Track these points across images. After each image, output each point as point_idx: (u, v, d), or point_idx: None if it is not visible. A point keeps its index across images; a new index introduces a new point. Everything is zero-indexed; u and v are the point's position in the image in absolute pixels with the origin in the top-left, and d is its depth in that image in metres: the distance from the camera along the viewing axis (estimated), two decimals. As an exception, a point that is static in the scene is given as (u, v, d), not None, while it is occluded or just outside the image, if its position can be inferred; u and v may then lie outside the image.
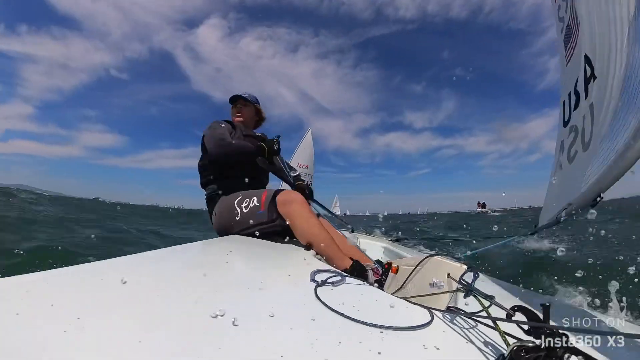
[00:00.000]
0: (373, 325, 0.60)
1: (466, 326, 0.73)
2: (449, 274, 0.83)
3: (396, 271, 0.99)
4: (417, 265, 0.92)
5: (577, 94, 1.73)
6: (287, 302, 0.66)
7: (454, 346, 0.63)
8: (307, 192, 2.06)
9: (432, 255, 0.92)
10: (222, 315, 0.54)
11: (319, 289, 0.75)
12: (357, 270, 1.24)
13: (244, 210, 1.71)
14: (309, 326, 0.56)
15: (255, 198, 1.72)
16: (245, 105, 2.33)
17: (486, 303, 0.73)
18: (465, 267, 0.83)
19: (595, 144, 1.40)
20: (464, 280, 0.81)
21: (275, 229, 1.65)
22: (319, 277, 0.84)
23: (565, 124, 1.90)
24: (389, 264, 1.09)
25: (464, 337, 0.68)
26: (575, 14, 1.73)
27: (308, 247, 1.45)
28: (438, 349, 0.58)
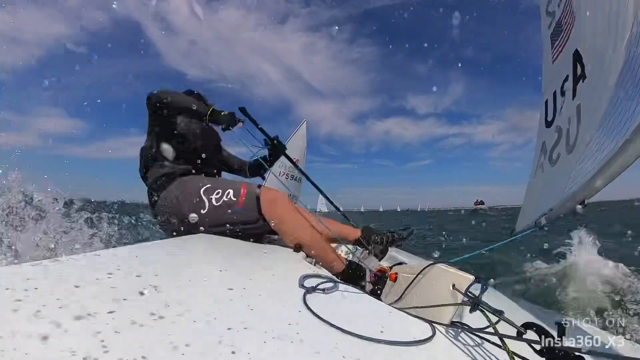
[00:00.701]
0: (368, 339, 0.53)
1: (471, 343, 0.65)
2: (453, 285, 0.76)
3: (395, 279, 0.91)
4: (418, 274, 0.85)
5: (563, 93, 1.66)
6: (271, 310, 0.59)
7: (457, 366, 0.55)
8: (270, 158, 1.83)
9: (435, 263, 0.85)
10: (193, 321, 0.48)
11: (308, 296, 0.68)
12: (353, 271, 1.16)
13: (214, 202, 1.39)
14: (294, 338, 0.49)
15: (230, 191, 1.41)
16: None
17: (494, 319, 0.66)
18: (472, 277, 0.76)
19: (580, 147, 1.33)
20: (470, 292, 0.74)
21: (254, 232, 1.43)
22: (309, 283, 0.77)
23: (549, 124, 1.83)
24: (382, 271, 1.02)
25: (469, 356, 0.60)
26: (571, 9, 1.66)
27: (297, 248, 1.33)
28: None
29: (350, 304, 0.71)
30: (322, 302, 0.67)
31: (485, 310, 0.69)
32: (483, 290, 0.74)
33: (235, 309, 0.56)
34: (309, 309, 0.61)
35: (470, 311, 0.69)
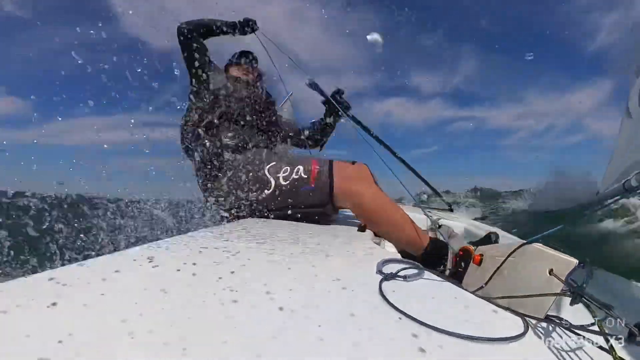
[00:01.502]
0: (449, 334, 0.52)
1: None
2: (551, 270, 0.68)
3: (479, 261, 0.85)
4: (508, 256, 0.78)
5: None
6: (342, 301, 0.60)
7: (552, 369, 0.51)
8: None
9: (529, 242, 0.77)
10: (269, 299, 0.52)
11: (385, 284, 0.68)
12: (436, 252, 1.11)
13: (281, 181, 1.26)
14: (366, 332, 0.50)
15: (300, 167, 1.27)
16: (253, 69, 1.84)
17: (600, 314, 0.58)
18: (575, 261, 0.67)
19: None
20: (572, 279, 0.66)
21: (316, 214, 1.27)
22: (388, 269, 0.77)
23: None
24: (466, 251, 0.94)
25: (566, 358, 0.55)
26: None
27: (362, 228, 1.22)
28: None
29: (430, 293, 0.69)
30: (400, 291, 0.67)
31: (590, 303, 0.61)
32: (588, 278, 0.65)
33: (305, 297, 0.59)
34: (384, 298, 0.61)
35: (571, 303, 0.62)
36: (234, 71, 1.79)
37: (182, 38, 1.53)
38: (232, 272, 0.65)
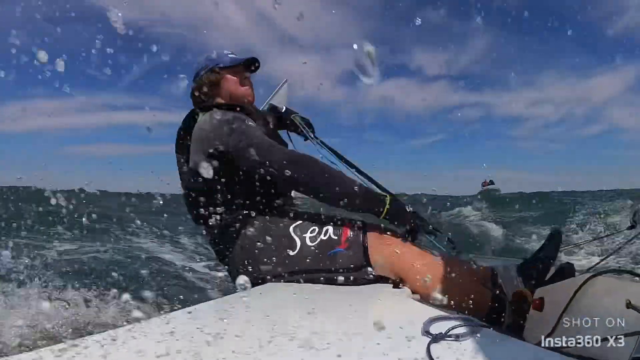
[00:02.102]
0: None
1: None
2: (629, 302, 0.58)
3: (541, 306, 0.75)
4: (575, 294, 0.68)
5: None
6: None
7: None
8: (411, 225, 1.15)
9: (597, 274, 0.67)
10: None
11: (433, 346, 0.61)
12: (500, 305, 0.91)
13: (308, 242, 1.14)
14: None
15: (330, 228, 1.15)
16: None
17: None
18: None
19: None
20: None
21: (361, 281, 1.11)
22: (436, 329, 0.69)
23: None
24: (521, 296, 0.81)
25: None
26: None
27: (396, 283, 1.09)
28: None
29: (489, 353, 0.61)
30: (452, 352, 0.59)
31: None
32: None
33: None
34: None
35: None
36: (233, 86, 1.37)
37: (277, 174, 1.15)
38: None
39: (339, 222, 1.18)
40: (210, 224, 1.25)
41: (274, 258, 1.14)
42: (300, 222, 1.19)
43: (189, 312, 0.77)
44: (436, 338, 0.64)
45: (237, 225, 1.22)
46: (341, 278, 1.10)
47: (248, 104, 1.38)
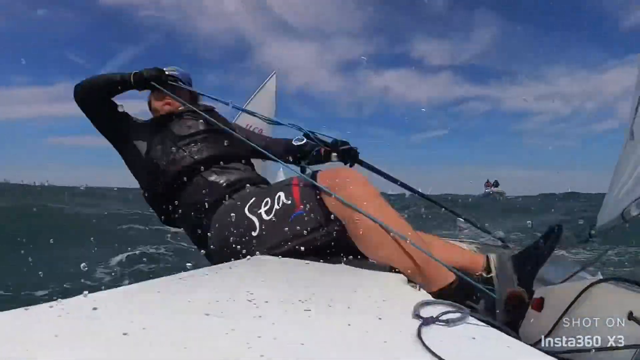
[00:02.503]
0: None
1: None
2: (631, 314, 0.55)
3: (540, 306, 0.72)
4: (575, 300, 0.65)
5: None
6: (375, 348, 0.51)
7: None
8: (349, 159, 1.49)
9: (599, 281, 0.64)
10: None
11: (424, 330, 0.58)
12: (465, 292, 0.82)
13: (264, 216, 1.06)
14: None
15: (280, 193, 1.06)
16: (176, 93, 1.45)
17: None
18: None
19: None
20: None
21: (325, 240, 1.02)
22: (427, 312, 0.66)
23: None
24: (516, 298, 0.77)
25: None
26: None
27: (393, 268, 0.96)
28: None
29: (481, 342, 0.58)
30: (442, 339, 0.56)
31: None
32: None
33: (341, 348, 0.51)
34: (425, 347, 0.51)
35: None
36: (155, 103, 1.49)
37: (81, 105, 1.35)
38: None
39: (286, 183, 1.11)
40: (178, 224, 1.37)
41: (244, 246, 1.07)
42: (253, 199, 1.12)
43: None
44: (427, 321, 0.61)
45: (202, 224, 1.21)
46: (317, 237, 1.02)
47: (167, 112, 1.46)
